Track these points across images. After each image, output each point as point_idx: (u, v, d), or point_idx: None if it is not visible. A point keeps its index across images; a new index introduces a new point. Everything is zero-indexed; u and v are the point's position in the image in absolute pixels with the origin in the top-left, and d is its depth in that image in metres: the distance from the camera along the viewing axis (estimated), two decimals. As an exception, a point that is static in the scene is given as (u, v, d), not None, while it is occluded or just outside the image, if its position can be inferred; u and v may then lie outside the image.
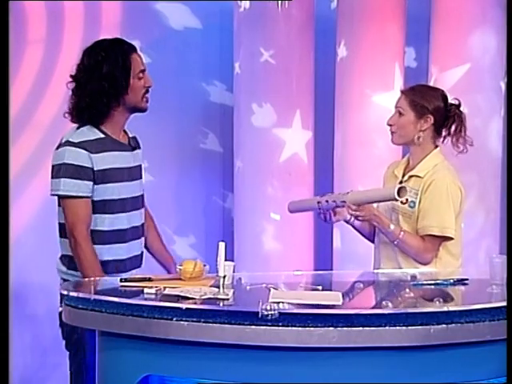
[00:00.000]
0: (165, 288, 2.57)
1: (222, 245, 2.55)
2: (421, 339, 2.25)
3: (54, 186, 3.07)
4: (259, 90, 4.39)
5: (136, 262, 3.19)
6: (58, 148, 3.07)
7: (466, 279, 2.85)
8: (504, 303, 2.40)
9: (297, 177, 4.41)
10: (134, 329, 2.34)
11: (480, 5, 4.16)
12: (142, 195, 3.24)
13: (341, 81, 4.37)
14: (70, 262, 3.09)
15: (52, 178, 3.07)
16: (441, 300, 2.50)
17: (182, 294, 2.46)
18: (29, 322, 4.48)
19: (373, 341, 2.23)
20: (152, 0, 4.65)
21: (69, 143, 3.02)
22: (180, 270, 2.74)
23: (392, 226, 3.15)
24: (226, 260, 2.57)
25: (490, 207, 4.22)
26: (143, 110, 3.15)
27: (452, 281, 2.82)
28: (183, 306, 2.35)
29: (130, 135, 3.24)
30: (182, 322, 2.27)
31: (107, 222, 3.07)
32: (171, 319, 2.28)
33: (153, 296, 2.52)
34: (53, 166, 3.07)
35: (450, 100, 3.24)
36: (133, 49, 3.13)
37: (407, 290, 2.77)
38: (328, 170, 4.47)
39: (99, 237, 3.07)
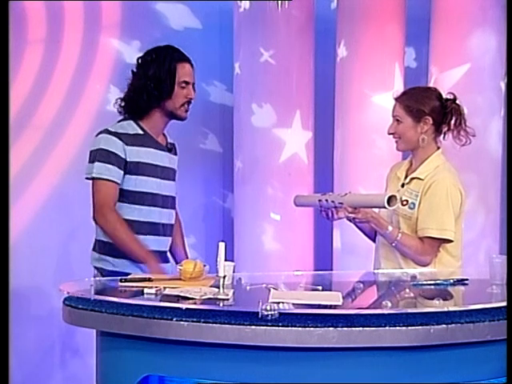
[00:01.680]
0: (165, 288, 2.57)
1: (221, 245, 2.55)
2: (421, 339, 2.25)
3: (88, 170, 3.21)
4: (259, 90, 4.39)
5: (166, 257, 3.33)
6: (97, 135, 3.23)
7: (466, 279, 2.85)
8: (504, 303, 2.40)
9: (297, 177, 4.41)
10: (134, 329, 2.34)
11: (480, 5, 4.16)
12: (174, 197, 3.38)
13: (341, 81, 4.37)
14: (100, 246, 3.24)
15: (88, 162, 3.22)
16: (441, 300, 2.50)
17: (181, 294, 2.46)
18: (29, 323, 4.48)
19: (373, 341, 2.23)
20: (152, 0, 4.66)
21: (106, 131, 3.21)
22: (180, 270, 2.75)
23: (390, 228, 3.14)
24: (226, 260, 2.57)
25: (490, 207, 4.22)
26: (181, 119, 3.30)
27: (452, 281, 2.82)
28: (183, 306, 2.35)
29: (169, 140, 3.40)
30: (181, 322, 2.27)
31: (137, 213, 3.21)
32: (171, 319, 2.28)
33: (153, 296, 2.52)
34: (90, 152, 3.22)
35: (445, 95, 3.23)
36: (182, 59, 3.27)
37: (407, 290, 2.77)
38: (328, 170, 4.47)
39: (129, 226, 3.18)
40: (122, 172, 3.17)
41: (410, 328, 2.24)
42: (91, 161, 3.19)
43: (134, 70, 3.26)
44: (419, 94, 3.24)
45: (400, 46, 4.34)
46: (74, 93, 4.51)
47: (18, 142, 4.35)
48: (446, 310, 2.40)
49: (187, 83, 3.27)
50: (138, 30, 4.51)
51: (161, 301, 2.46)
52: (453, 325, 2.27)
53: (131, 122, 3.25)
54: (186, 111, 3.29)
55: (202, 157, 4.87)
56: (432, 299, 2.55)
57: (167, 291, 2.54)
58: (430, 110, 3.17)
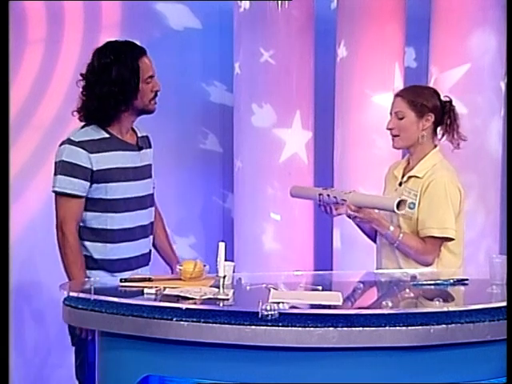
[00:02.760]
0: (165, 288, 2.57)
1: (221, 245, 2.55)
2: (421, 339, 2.25)
3: (53, 183, 3.09)
4: (259, 90, 4.39)
5: (144, 260, 3.21)
6: (60, 145, 3.09)
7: (466, 279, 2.85)
8: (504, 303, 2.40)
9: (297, 177, 4.40)
10: (134, 329, 2.34)
11: (480, 5, 4.16)
12: (151, 194, 3.25)
13: (341, 81, 4.37)
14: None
15: (54, 174, 3.09)
16: (441, 300, 2.50)
17: (181, 294, 2.46)
18: (29, 322, 4.48)
19: (373, 341, 2.23)
20: (152, 0, 4.66)
21: (69, 141, 3.06)
22: (180, 270, 2.75)
23: (391, 228, 3.14)
24: (225, 260, 2.57)
25: (490, 207, 4.22)
26: (151, 112, 3.16)
27: (452, 281, 2.82)
28: (183, 306, 2.35)
29: (140, 134, 3.25)
30: (181, 322, 2.27)
31: (110, 221, 3.09)
32: (171, 319, 2.28)
33: (153, 296, 2.52)
34: (55, 163, 3.09)
35: (442, 97, 3.24)
36: (142, 52, 3.12)
37: (407, 290, 2.77)
38: (328, 170, 4.47)
39: (103, 235, 3.09)
40: (89, 183, 3.03)
41: (409, 328, 2.24)
42: (55, 173, 3.06)
43: (90, 74, 3.09)
44: (421, 90, 3.26)
45: (400, 46, 4.34)
46: (74, 93, 4.50)
47: (18, 141, 4.35)
48: (445, 310, 2.40)
49: (151, 77, 3.11)
50: (138, 30, 4.50)
51: (161, 301, 2.46)
52: (453, 325, 2.27)
53: (95, 126, 3.09)
54: (155, 103, 3.14)
55: (202, 157, 4.87)
56: (432, 299, 2.55)
57: (167, 291, 2.54)
58: (432, 107, 3.17)
